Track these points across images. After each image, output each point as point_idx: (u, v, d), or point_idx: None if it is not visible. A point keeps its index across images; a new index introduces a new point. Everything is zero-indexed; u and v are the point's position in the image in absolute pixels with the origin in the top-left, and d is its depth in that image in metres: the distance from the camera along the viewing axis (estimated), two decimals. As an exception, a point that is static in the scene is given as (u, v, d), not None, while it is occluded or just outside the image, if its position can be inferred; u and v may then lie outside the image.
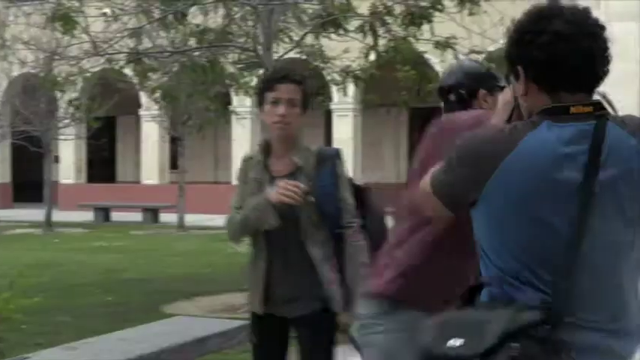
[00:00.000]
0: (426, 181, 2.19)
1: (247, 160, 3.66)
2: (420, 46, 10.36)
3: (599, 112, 2.03)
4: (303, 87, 3.58)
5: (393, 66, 10.32)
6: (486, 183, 1.98)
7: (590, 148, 1.97)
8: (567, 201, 1.95)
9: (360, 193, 3.65)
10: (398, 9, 9.74)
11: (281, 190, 3.37)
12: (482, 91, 3.18)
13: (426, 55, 12.05)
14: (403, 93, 10.96)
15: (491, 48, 11.43)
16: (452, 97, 3.23)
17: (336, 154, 3.62)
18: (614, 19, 17.11)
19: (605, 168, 1.97)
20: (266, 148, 3.60)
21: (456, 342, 1.84)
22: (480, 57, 10.77)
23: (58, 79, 12.12)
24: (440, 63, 10.92)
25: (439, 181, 2.13)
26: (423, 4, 9.63)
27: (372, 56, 10.31)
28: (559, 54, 1.99)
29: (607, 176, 1.97)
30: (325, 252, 3.50)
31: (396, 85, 11.13)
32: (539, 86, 2.05)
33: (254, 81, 11.47)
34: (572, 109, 2.01)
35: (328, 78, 11.89)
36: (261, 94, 3.60)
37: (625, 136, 2.01)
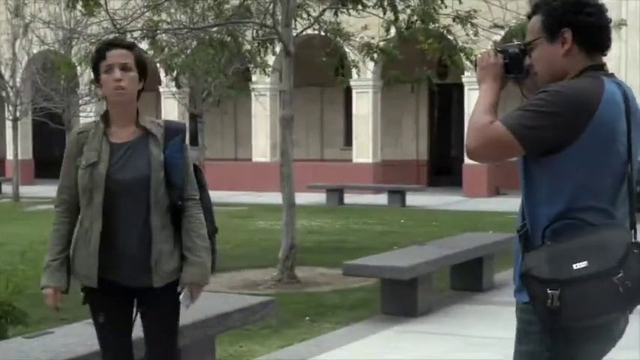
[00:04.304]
0: (498, 126, 2.44)
1: (80, 133, 3.55)
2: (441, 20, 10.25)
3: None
4: (135, 52, 3.55)
5: (414, 41, 10.22)
6: (584, 128, 2.38)
7: (624, 98, 2.51)
8: (622, 140, 2.48)
9: (195, 170, 3.67)
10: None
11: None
12: None
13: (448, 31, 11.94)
14: (425, 69, 10.85)
15: (513, 22, 11.31)
16: None
17: (184, 129, 3.64)
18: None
19: (630, 114, 2.52)
20: (105, 118, 3.55)
21: (581, 264, 2.27)
22: (502, 31, 10.68)
23: (73, 59, 12.03)
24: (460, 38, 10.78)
25: (525, 126, 2.41)
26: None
27: (393, 31, 10.24)
28: (604, 21, 2.54)
29: (634, 120, 2.52)
30: (164, 221, 3.50)
31: (418, 61, 11.03)
32: (582, 48, 2.53)
33: (271, 58, 11.41)
34: (607, 68, 2.55)
35: (350, 55, 11.80)
36: (95, 68, 3.55)
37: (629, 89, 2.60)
